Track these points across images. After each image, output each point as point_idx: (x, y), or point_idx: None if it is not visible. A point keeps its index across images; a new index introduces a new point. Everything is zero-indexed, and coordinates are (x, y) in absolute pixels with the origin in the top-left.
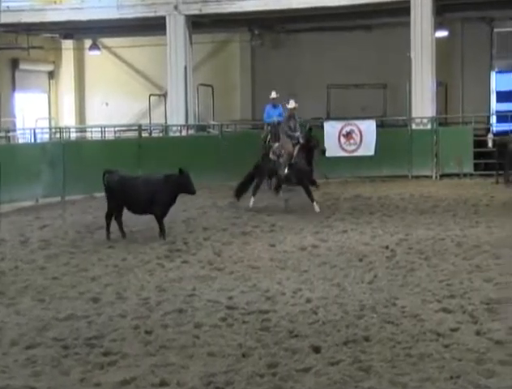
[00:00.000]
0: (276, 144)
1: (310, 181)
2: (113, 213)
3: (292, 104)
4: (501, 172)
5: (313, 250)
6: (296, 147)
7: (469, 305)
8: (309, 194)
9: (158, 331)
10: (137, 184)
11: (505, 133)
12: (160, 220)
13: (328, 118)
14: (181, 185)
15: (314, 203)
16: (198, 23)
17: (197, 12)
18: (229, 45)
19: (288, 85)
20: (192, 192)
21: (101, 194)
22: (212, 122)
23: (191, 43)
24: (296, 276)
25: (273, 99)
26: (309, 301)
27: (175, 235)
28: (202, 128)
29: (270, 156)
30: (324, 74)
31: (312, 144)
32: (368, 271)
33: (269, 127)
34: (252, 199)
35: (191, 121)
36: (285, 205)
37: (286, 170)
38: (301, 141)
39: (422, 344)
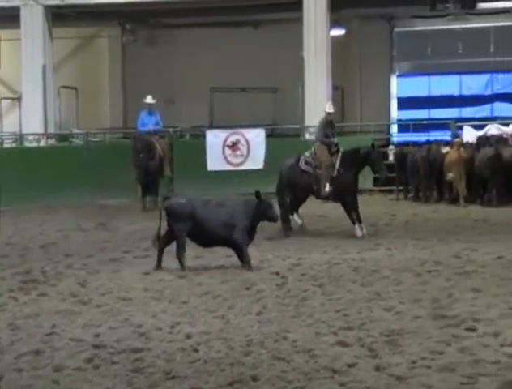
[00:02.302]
0: (307, 153)
1: (354, 200)
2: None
3: (329, 107)
4: (401, 187)
5: (194, 278)
6: (338, 156)
7: (368, 337)
8: (350, 213)
9: (10, 375)
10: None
11: (406, 144)
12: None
13: (211, 127)
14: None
15: (356, 226)
16: (59, 15)
17: (58, 2)
18: (96, 42)
19: (164, 88)
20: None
21: None
22: (76, 131)
23: (51, 38)
24: (174, 308)
25: (149, 104)
26: (188, 336)
27: (31, 263)
28: (64, 137)
29: (302, 166)
30: (206, 76)
31: (371, 158)
32: (256, 301)
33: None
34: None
35: (51, 130)
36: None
37: (328, 186)
38: (341, 149)
39: (316, 382)
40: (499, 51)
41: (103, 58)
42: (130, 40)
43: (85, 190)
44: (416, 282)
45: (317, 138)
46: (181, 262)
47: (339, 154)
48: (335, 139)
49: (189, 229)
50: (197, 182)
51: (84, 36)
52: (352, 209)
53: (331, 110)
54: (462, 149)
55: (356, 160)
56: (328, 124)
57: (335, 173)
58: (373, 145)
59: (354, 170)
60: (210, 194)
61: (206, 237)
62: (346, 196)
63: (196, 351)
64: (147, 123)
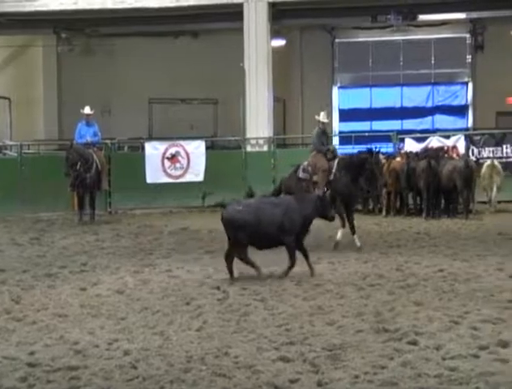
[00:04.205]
0: (305, 162)
1: (349, 204)
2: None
3: (323, 117)
4: None
5: (132, 293)
6: (334, 162)
7: (310, 352)
8: (348, 218)
9: None
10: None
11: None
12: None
13: (150, 138)
14: None
15: (355, 237)
16: None
17: None
18: (31, 50)
19: (102, 99)
20: None
21: None
22: (9, 142)
23: None
24: (112, 325)
25: (87, 115)
26: (127, 353)
27: None
28: None
29: (300, 174)
30: (145, 87)
31: (366, 165)
32: (196, 316)
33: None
34: None
35: None
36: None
37: (325, 189)
38: (337, 155)
39: None
40: (440, 63)
41: (37, 68)
42: (66, 49)
43: (19, 203)
44: (359, 296)
45: (314, 146)
46: (254, 265)
47: (336, 160)
48: (331, 146)
49: (249, 234)
50: (135, 195)
51: (18, 44)
52: (348, 214)
53: (326, 120)
54: (392, 161)
55: (351, 165)
56: (322, 133)
57: (332, 176)
58: (371, 152)
59: (350, 176)
60: (149, 207)
61: (263, 241)
62: (342, 198)
63: (135, 368)
64: (85, 134)
